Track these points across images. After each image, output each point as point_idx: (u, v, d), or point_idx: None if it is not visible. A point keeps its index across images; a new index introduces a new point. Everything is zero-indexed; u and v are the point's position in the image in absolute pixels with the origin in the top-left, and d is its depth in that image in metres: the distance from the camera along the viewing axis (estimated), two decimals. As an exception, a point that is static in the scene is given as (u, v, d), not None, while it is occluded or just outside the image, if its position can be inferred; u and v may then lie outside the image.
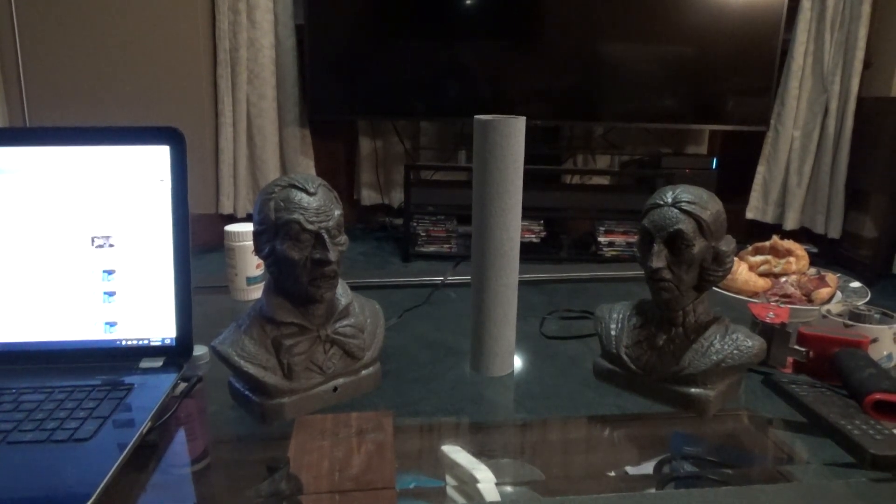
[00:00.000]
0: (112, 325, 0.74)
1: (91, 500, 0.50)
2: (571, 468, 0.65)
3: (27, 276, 0.72)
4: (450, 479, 0.61)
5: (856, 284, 1.05)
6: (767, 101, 2.75)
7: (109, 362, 0.72)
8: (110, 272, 0.73)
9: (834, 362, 0.75)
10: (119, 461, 0.55)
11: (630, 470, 0.65)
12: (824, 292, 0.99)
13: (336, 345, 0.71)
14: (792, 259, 1.06)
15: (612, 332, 0.76)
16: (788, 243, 1.08)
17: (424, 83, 2.77)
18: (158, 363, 0.73)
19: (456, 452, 0.63)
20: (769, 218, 2.97)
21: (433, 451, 0.66)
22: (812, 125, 2.81)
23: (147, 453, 0.62)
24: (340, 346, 0.71)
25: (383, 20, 2.74)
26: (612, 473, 0.64)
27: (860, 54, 2.66)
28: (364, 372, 0.74)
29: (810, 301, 0.99)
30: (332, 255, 0.66)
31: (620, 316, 0.77)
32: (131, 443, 0.58)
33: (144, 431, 0.60)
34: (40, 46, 2.64)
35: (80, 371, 0.70)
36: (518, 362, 0.84)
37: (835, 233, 2.78)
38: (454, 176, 3.08)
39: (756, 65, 2.68)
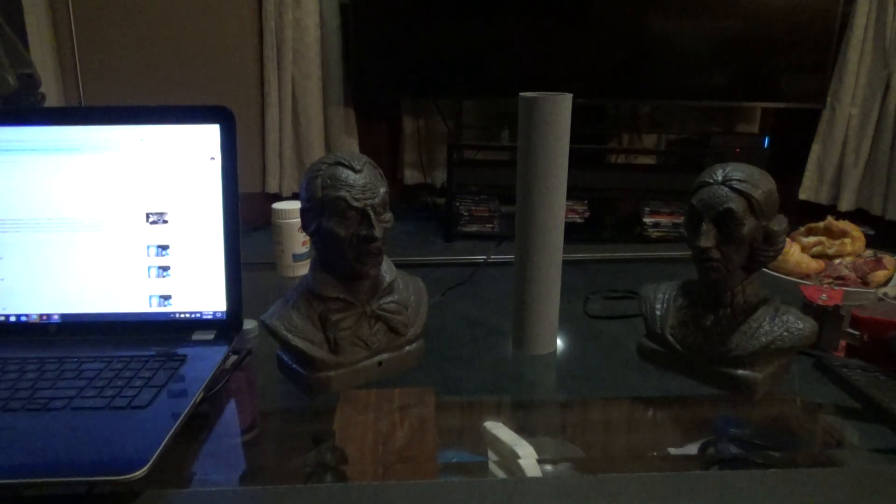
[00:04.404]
0: (166, 298, 0.76)
1: (148, 465, 0.52)
2: (613, 448, 0.65)
3: (87, 251, 0.75)
4: (491, 455, 0.62)
5: (915, 267, 1.01)
6: (824, 76, 2.64)
7: (164, 334, 0.75)
8: (164, 248, 0.76)
9: (890, 346, 0.72)
10: (174, 429, 0.57)
11: (673, 451, 0.64)
12: (881, 275, 0.96)
13: (381, 320, 0.72)
14: (847, 240, 1.03)
15: (658, 313, 0.75)
16: (844, 224, 1.05)
17: (467, 62, 2.74)
18: (210, 336, 0.75)
19: (498, 428, 0.64)
20: (823, 198, 2.87)
21: (474, 428, 0.67)
22: (871, 102, 2.69)
23: (199, 422, 0.64)
24: (385, 322, 0.72)
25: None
26: (655, 454, 0.64)
27: (926, 26, 2.53)
28: (408, 348, 0.75)
29: (865, 284, 0.96)
30: (378, 232, 0.67)
31: (666, 296, 0.76)
32: (185, 412, 0.60)
33: (197, 401, 0.63)
34: (93, 29, 2.71)
35: (137, 342, 0.73)
36: (561, 341, 0.84)
37: (894, 214, 2.67)
38: (497, 155, 3.05)
39: (812, 38, 2.57)
